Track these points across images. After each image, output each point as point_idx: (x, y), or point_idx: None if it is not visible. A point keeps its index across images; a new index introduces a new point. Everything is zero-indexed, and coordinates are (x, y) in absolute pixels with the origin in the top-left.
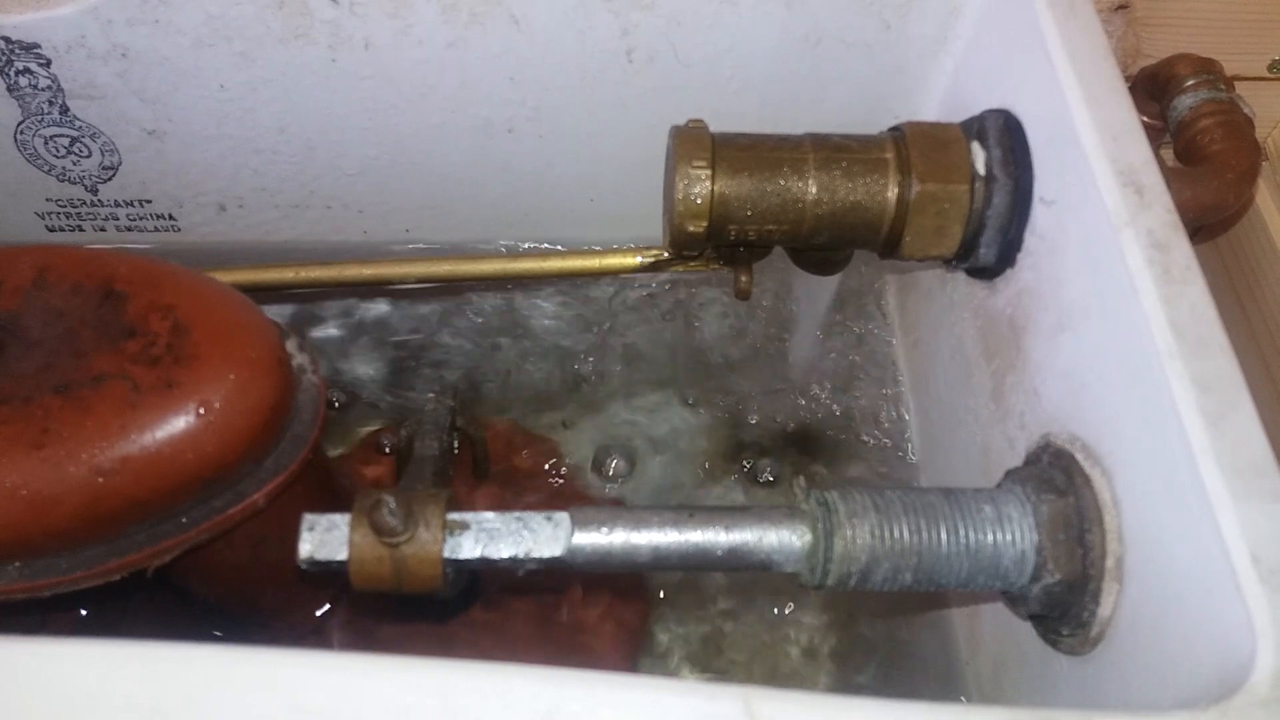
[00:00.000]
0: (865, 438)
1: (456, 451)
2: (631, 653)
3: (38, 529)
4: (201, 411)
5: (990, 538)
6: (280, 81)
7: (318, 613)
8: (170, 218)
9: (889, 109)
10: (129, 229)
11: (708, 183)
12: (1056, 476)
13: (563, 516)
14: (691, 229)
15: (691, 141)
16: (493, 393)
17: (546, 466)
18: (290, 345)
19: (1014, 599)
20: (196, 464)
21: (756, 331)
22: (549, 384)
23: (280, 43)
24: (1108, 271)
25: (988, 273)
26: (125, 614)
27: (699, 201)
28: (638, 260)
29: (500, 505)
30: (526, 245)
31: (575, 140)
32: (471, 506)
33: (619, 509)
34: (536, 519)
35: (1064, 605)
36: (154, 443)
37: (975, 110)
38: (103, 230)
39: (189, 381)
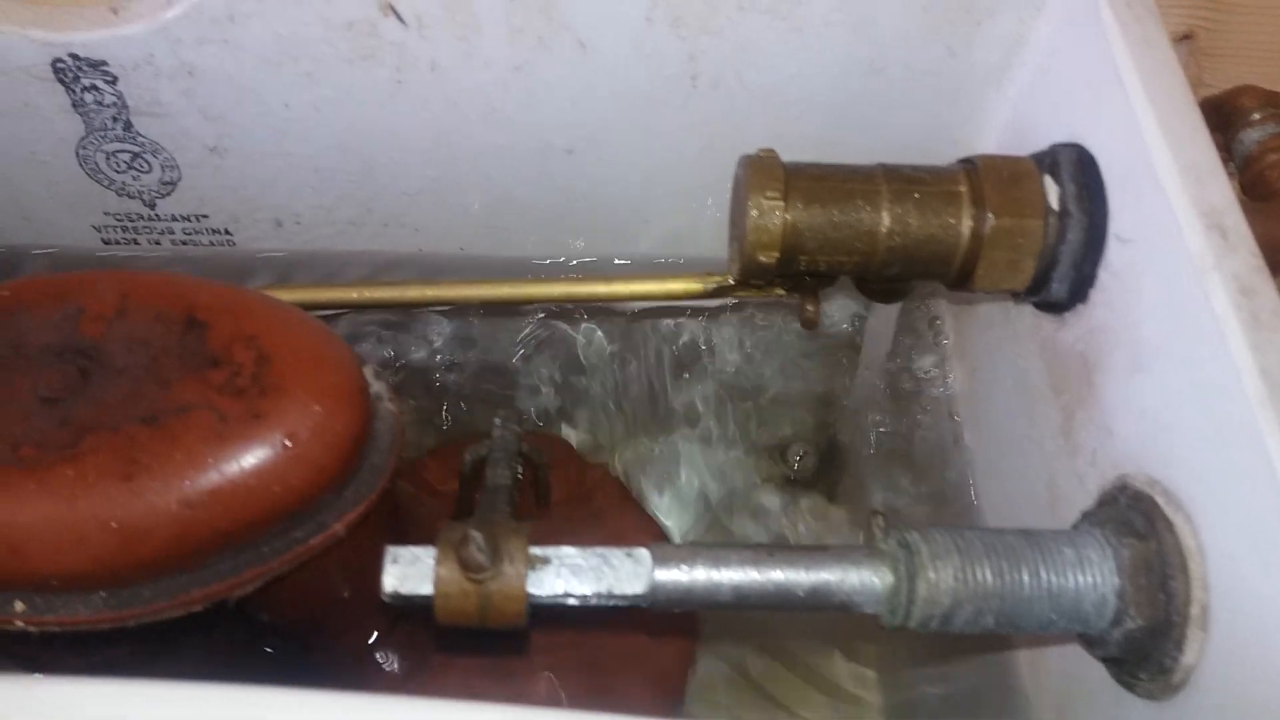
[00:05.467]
0: (919, 462)
1: (520, 478)
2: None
3: (126, 560)
4: (287, 444)
5: (1072, 581)
6: (344, 101)
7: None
8: (226, 232)
9: (948, 136)
10: (184, 243)
11: (781, 213)
12: (1136, 520)
13: (643, 553)
14: (763, 259)
15: (764, 171)
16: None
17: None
18: (367, 373)
19: (1092, 641)
20: (281, 496)
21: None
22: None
23: (347, 63)
24: (1191, 315)
25: (1057, 307)
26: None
27: (771, 232)
28: (700, 286)
29: (566, 535)
30: (575, 261)
31: (633, 162)
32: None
33: (698, 546)
34: (617, 555)
35: (1145, 651)
36: (241, 475)
37: (1038, 140)
38: (157, 244)
39: (275, 413)
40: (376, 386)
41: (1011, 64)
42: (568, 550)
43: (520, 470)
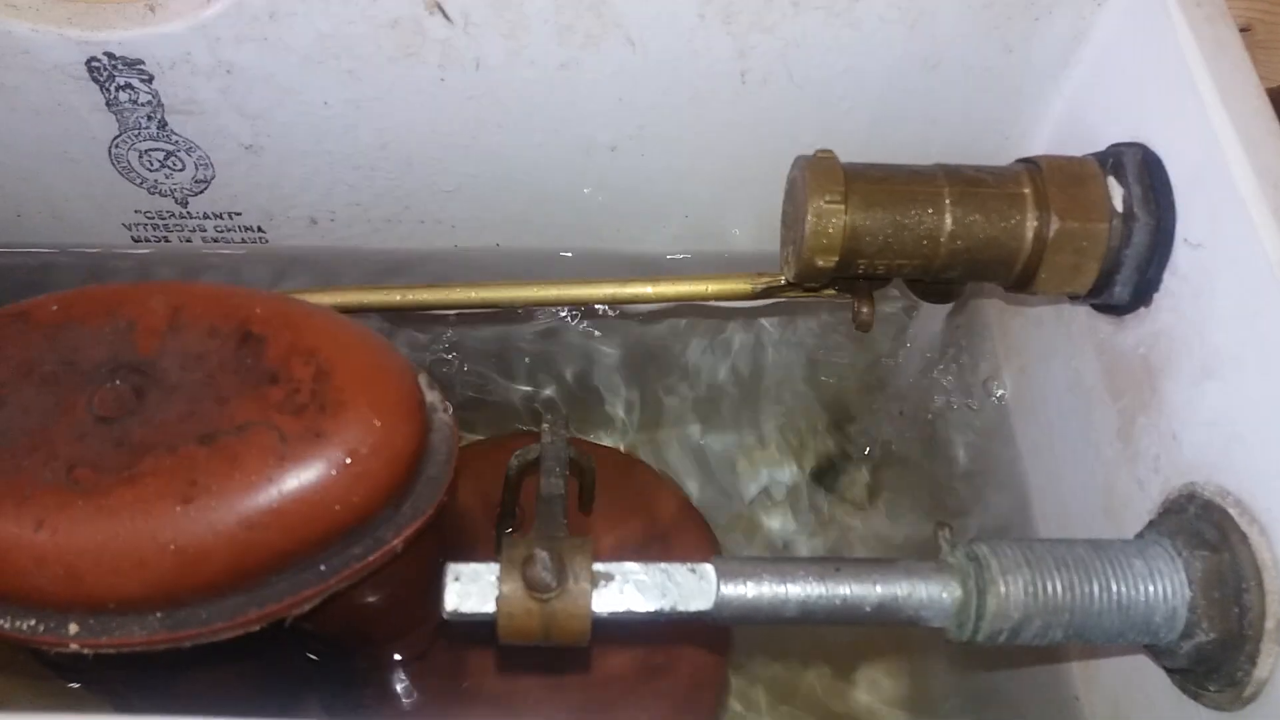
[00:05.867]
0: (965, 462)
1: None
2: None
3: (185, 582)
4: (349, 461)
5: (1142, 594)
6: (386, 99)
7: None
8: (259, 229)
9: (1000, 133)
10: (215, 240)
11: (840, 216)
12: (1207, 531)
13: (707, 569)
14: (821, 263)
15: (824, 173)
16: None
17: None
18: (422, 382)
19: (1159, 652)
20: (342, 514)
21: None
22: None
23: (390, 61)
24: (1269, 323)
25: (1117, 310)
26: None
27: (831, 235)
28: (749, 286)
29: (612, 536)
30: (614, 255)
31: (677, 158)
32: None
33: (762, 560)
34: (680, 571)
35: (1215, 663)
36: (302, 494)
37: (1094, 140)
38: (188, 241)
39: (336, 430)
40: (431, 396)
41: (1069, 61)
42: (632, 566)
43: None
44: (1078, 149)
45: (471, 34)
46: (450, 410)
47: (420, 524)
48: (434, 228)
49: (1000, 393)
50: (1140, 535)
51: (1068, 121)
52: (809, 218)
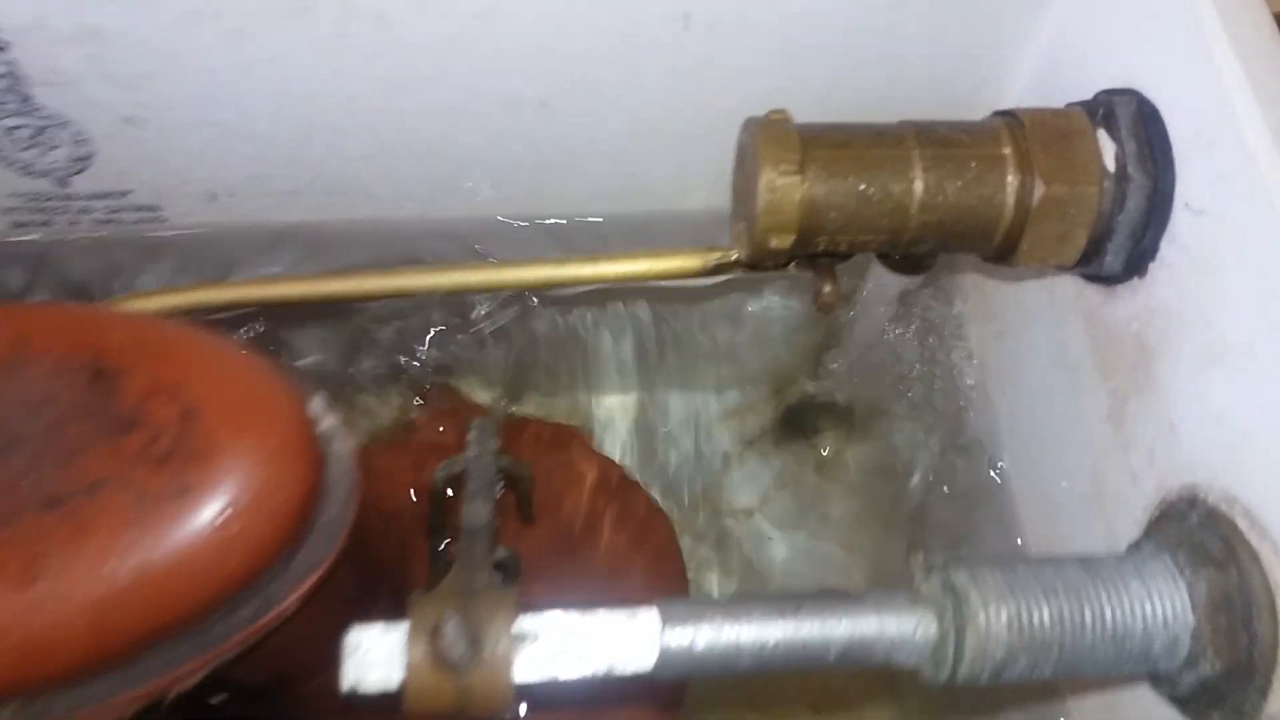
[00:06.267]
0: (936, 431)
1: (500, 495)
2: None
3: (35, 672)
4: (222, 520)
5: (1140, 621)
6: (278, 62)
7: None
8: (153, 208)
9: (977, 73)
10: (106, 221)
11: (797, 190)
12: (1212, 544)
13: (649, 616)
14: (775, 243)
15: (776, 140)
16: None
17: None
18: (315, 408)
19: (1159, 679)
20: (219, 579)
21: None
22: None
23: (279, 18)
24: None
25: (1108, 280)
26: None
27: (787, 212)
28: (700, 262)
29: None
30: (551, 220)
31: (616, 113)
32: (527, 550)
33: (710, 600)
34: (618, 619)
35: (1221, 695)
36: (168, 562)
37: (1080, 84)
38: (76, 224)
39: (205, 484)
40: (326, 423)
41: None
42: (558, 618)
43: (501, 488)
44: (1061, 95)
45: None
46: (348, 438)
47: (317, 578)
48: (348, 198)
49: (974, 361)
50: (1136, 546)
51: (1049, 63)
52: (761, 192)
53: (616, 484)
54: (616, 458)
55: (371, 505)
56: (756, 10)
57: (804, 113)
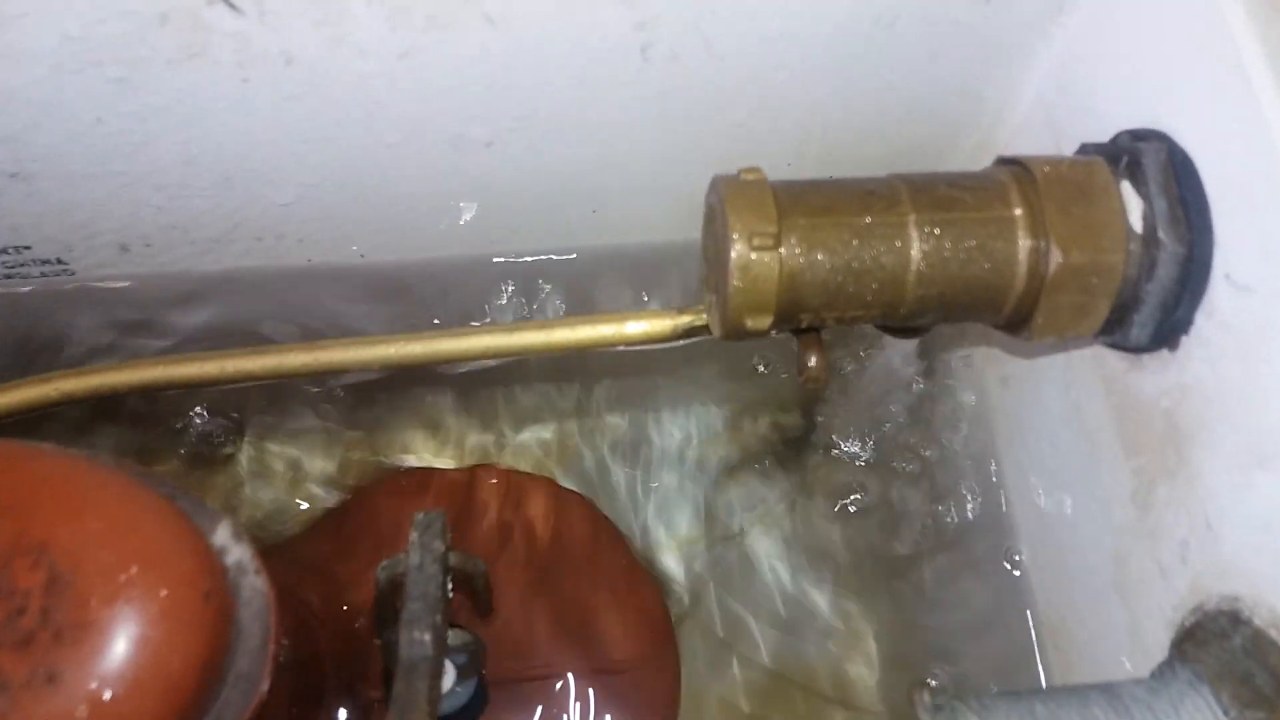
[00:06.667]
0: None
1: (450, 596)
2: None
3: None
4: (100, 708)
5: None
6: (177, 109)
7: None
8: (59, 262)
9: (974, 98)
10: (8, 277)
11: (774, 266)
12: (1259, 676)
13: None
14: (751, 324)
15: (749, 206)
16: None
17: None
18: (221, 538)
19: None
20: None
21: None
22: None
23: (169, 64)
24: None
25: (1134, 349)
26: None
27: (763, 291)
28: (670, 326)
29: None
30: (507, 259)
31: (573, 148)
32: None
33: None
34: None
35: None
36: None
37: (1094, 119)
38: None
39: (79, 666)
40: (236, 554)
41: (1063, 7)
42: None
43: (450, 587)
44: (1067, 130)
45: (271, 24)
46: (261, 567)
47: None
48: (277, 244)
49: (967, 404)
50: (1169, 669)
51: (1054, 92)
52: (733, 270)
53: (588, 530)
54: (596, 480)
55: (305, 605)
56: (725, 39)
57: (779, 142)
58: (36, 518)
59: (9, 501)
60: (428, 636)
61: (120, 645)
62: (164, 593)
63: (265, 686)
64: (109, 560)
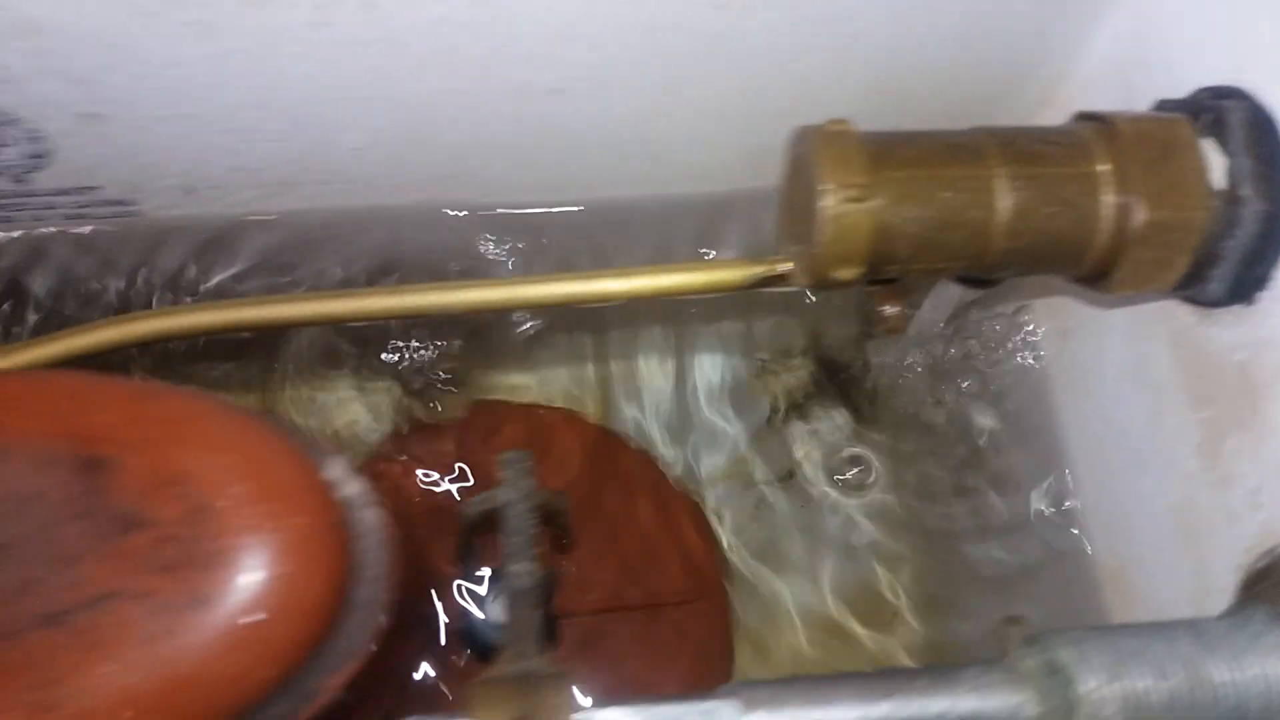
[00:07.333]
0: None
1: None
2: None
3: None
4: (245, 630)
5: (1258, 701)
6: (251, 52)
7: None
8: (125, 203)
9: (1044, 50)
10: (75, 216)
11: (866, 217)
12: None
13: (726, 707)
14: (840, 275)
15: (840, 158)
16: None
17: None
18: (337, 472)
19: None
20: (246, 689)
21: None
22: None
23: (248, 6)
24: None
25: (1208, 303)
26: None
27: (855, 241)
28: (743, 275)
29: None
30: (571, 207)
31: (639, 97)
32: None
33: (793, 683)
34: (689, 714)
35: None
36: (190, 679)
37: (1167, 76)
38: (39, 219)
39: (223, 590)
40: (351, 488)
41: None
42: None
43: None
44: (1144, 90)
45: None
46: (376, 499)
47: (354, 666)
48: (343, 188)
49: (1037, 355)
50: (1241, 606)
51: (1127, 46)
52: (824, 221)
53: (631, 462)
54: (647, 421)
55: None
56: None
57: (845, 94)
58: (174, 448)
59: (147, 434)
60: (528, 564)
61: (260, 572)
62: (296, 522)
63: (384, 618)
64: (245, 491)
